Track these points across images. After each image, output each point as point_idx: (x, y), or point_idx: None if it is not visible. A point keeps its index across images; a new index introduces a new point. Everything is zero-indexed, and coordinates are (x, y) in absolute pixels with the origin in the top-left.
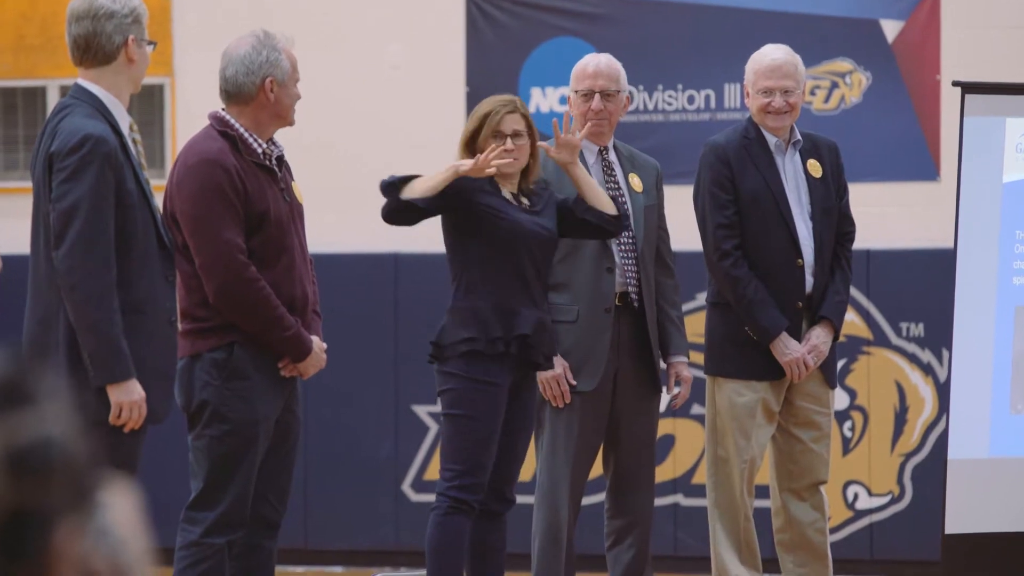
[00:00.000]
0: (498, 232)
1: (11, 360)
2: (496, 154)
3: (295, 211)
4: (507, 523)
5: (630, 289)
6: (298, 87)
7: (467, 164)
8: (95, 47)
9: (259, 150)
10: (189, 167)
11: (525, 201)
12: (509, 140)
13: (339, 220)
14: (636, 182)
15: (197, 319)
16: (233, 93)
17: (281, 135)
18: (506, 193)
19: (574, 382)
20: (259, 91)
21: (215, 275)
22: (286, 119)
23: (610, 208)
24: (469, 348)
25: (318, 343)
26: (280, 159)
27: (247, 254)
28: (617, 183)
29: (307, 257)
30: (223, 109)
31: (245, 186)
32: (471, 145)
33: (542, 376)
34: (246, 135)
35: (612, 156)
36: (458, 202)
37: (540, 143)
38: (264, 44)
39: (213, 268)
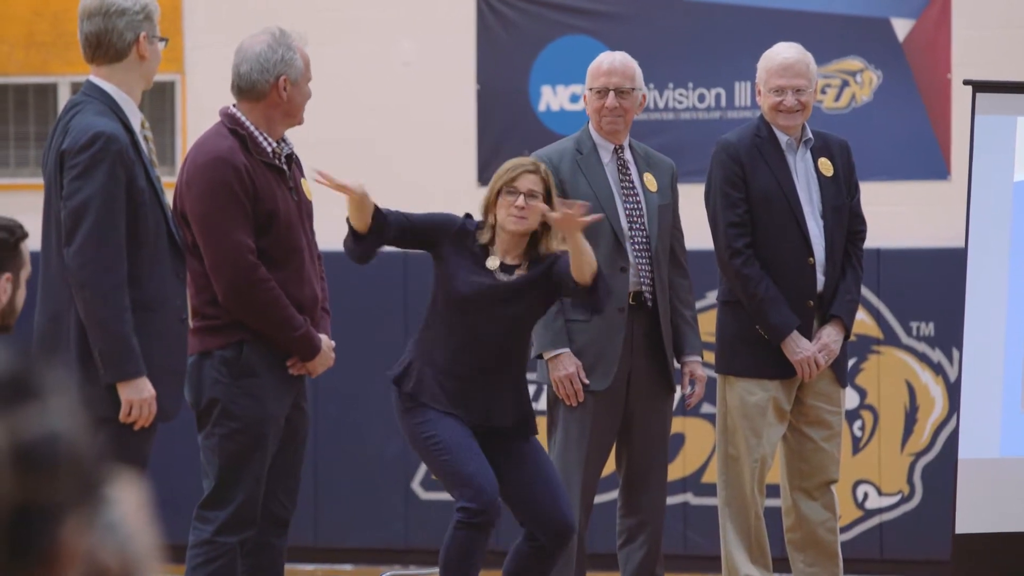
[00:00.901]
0: (447, 293)
1: (17, 355)
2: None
3: (304, 209)
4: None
5: (644, 288)
6: (309, 86)
7: (352, 188)
8: (107, 44)
9: (269, 149)
10: (199, 166)
11: (506, 275)
12: (522, 198)
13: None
14: (651, 181)
15: (207, 317)
16: (246, 89)
17: (291, 131)
18: (492, 259)
19: (587, 381)
20: (272, 89)
21: (224, 275)
22: (296, 118)
23: (589, 273)
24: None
25: (327, 342)
26: (290, 157)
27: (256, 254)
28: (632, 182)
29: (316, 254)
30: (234, 105)
31: (255, 185)
32: (492, 204)
33: (555, 375)
34: (256, 133)
35: (627, 155)
36: (429, 243)
37: (542, 207)
38: (280, 43)
39: (222, 268)
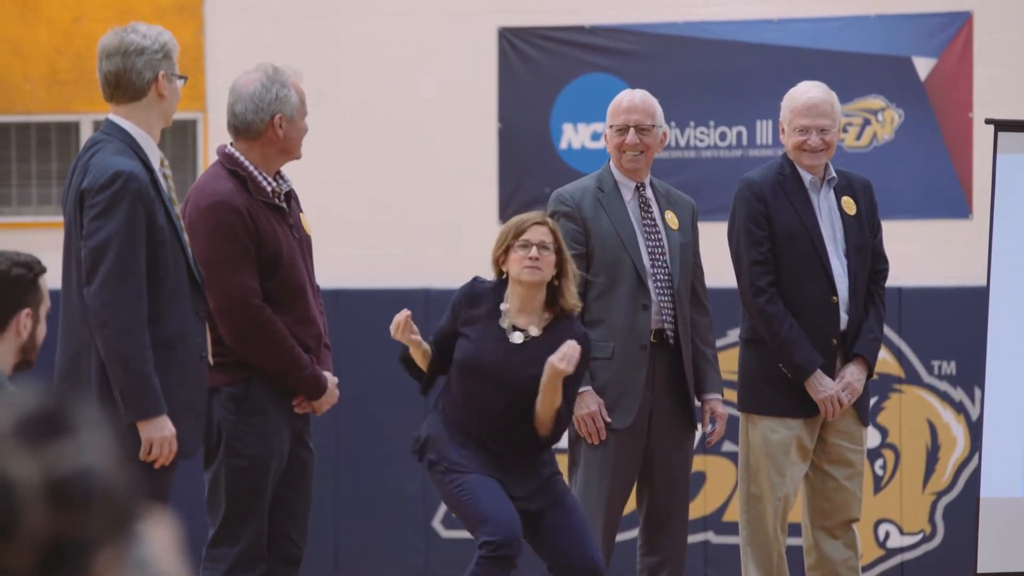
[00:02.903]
0: (462, 359)
1: (51, 392)
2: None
3: (304, 245)
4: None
5: (666, 326)
6: (306, 120)
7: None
8: (125, 83)
9: (269, 189)
10: (201, 210)
11: (520, 336)
12: (535, 248)
13: (369, 255)
14: (672, 219)
15: (214, 355)
16: (242, 129)
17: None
18: (505, 321)
19: (609, 419)
20: (268, 128)
21: (231, 319)
22: (293, 154)
23: (546, 419)
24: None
25: (331, 379)
26: (289, 194)
27: (261, 296)
28: (654, 220)
29: (316, 288)
30: (231, 144)
31: (257, 227)
32: (502, 260)
33: (577, 413)
34: (256, 174)
35: (649, 192)
36: (454, 341)
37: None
38: (274, 80)
39: (229, 312)
